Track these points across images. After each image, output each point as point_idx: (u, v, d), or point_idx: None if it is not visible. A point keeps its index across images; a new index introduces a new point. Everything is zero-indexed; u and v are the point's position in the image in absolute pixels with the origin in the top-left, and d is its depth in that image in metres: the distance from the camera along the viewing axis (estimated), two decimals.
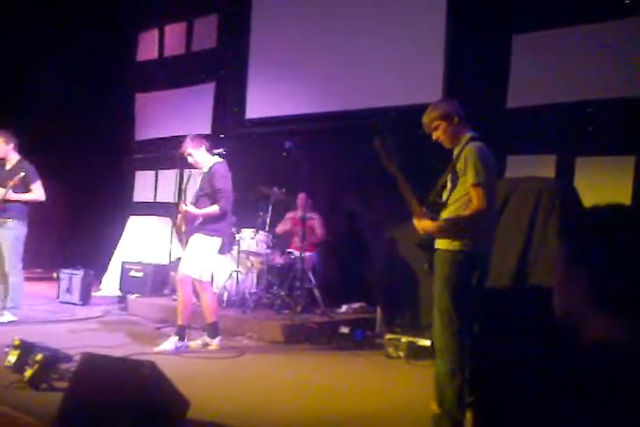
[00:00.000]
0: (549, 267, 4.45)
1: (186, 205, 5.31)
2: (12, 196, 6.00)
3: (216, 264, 6.40)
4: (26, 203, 6.12)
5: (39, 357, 3.81)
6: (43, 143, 8.55)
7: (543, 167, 6.19)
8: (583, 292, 1.04)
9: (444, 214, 3.49)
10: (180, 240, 5.49)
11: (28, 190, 6.10)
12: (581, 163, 6.13)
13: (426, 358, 5.17)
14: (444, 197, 3.53)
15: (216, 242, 5.34)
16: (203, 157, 5.45)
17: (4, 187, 6.01)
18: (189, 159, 5.46)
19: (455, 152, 3.56)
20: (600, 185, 5.79)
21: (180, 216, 5.45)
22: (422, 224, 3.46)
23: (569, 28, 6.25)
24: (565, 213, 4.57)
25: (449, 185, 3.51)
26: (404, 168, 3.50)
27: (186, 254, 5.36)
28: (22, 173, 5.98)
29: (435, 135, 3.61)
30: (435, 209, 3.53)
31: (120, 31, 10.52)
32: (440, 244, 3.48)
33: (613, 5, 5.94)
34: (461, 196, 3.45)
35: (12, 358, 3.96)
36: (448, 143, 3.60)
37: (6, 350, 4.10)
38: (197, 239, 5.30)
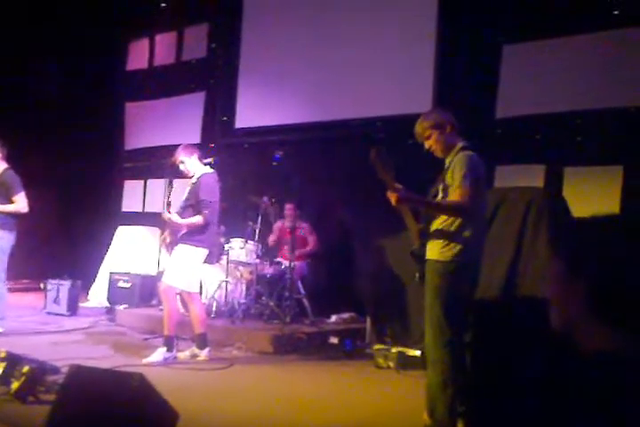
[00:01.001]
0: (539, 277, 4.46)
1: (169, 213, 5.28)
2: None
3: (203, 275, 6.37)
4: (9, 214, 6.00)
5: (26, 369, 3.76)
6: (31, 152, 8.50)
7: (532, 177, 6.21)
8: (581, 304, 1.03)
9: (434, 225, 3.50)
10: (167, 251, 5.46)
11: (9, 202, 5.98)
12: (570, 173, 6.16)
13: (416, 368, 5.16)
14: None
15: (201, 253, 5.31)
16: (193, 166, 5.43)
17: None
18: (181, 167, 5.44)
19: (446, 162, 3.57)
20: (588, 195, 5.82)
21: (165, 227, 5.41)
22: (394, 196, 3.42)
23: (558, 38, 6.29)
24: (555, 224, 4.58)
25: (440, 195, 3.52)
26: (395, 179, 3.50)
27: (170, 265, 5.32)
28: None
29: (427, 144, 3.61)
30: (427, 220, 3.53)
31: (110, 40, 10.49)
32: (431, 254, 3.47)
33: (603, 16, 5.99)
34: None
35: None
36: (440, 152, 3.60)
37: None
38: (182, 250, 5.27)
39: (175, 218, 5.25)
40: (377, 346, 5.55)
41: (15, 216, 6.07)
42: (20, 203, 6.02)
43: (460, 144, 3.56)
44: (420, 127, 3.61)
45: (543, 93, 6.32)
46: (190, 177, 5.47)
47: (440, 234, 3.45)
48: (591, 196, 5.82)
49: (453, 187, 3.40)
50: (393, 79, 7.43)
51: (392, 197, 3.41)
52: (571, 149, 6.13)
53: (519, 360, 2.58)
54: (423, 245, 3.53)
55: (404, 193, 3.42)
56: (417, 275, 3.56)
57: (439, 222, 3.48)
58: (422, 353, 5.31)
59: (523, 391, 2.64)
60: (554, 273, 1.07)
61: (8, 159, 6.22)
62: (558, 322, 1.08)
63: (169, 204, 5.33)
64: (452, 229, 3.42)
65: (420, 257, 3.53)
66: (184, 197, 5.43)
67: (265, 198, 7.07)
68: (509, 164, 6.42)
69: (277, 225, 7.57)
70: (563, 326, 1.07)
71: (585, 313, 1.02)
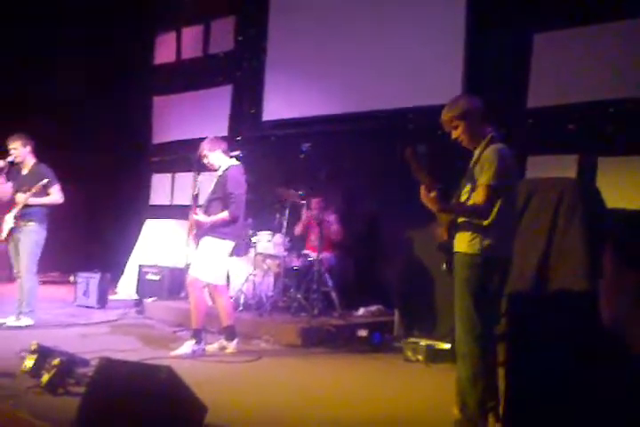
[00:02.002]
0: (571, 270, 4.36)
1: (196, 214, 5.29)
2: (32, 200, 6.02)
3: (230, 267, 6.36)
4: (45, 206, 6.13)
5: (56, 361, 3.79)
6: (60, 147, 8.56)
7: (565, 168, 6.09)
8: (632, 299, 0.98)
9: (462, 218, 3.41)
10: (195, 243, 5.46)
11: (46, 194, 6.12)
12: (603, 163, 6.02)
13: (445, 361, 5.11)
14: (463, 199, 3.44)
15: (227, 245, 5.30)
16: (218, 160, 5.42)
17: (23, 191, 6.03)
18: (204, 161, 5.44)
19: (475, 153, 3.46)
20: (623, 185, 5.69)
21: (190, 222, 5.42)
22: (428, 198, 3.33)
23: (590, 26, 6.16)
24: (589, 215, 4.47)
25: (468, 188, 3.42)
26: (431, 170, 3.41)
27: (196, 258, 5.33)
28: (45, 180, 6.00)
29: (454, 134, 3.48)
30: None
31: (137, 34, 10.54)
32: (459, 247, 3.39)
33: (635, 3, 5.84)
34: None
35: (29, 362, 3.94)
36: (467, 143, 3.47)
37: (23, 354, 4.09)
38: (208, 243, 5.27)
39: (202, 218, 5.26)
40: (406, 339, 5.50)
41: (48, 209, 6.17)
42: (56, 194, 6.16)
43: (489, 135, 3.43)
44: (446, 116, 3.47)
45: (575, 82, 6.19)
46: (216, 170, 5.46)
47: (469, 226, 3.36)
48: (626, 186, 5.69)
49: (478, 183, 3.30)
50: (422, 70, 7.34)
51: (429, 203, 3.32)
52: (604, 138, 5.99)
53: (552, 355, 2.52)
54: (452, 238, 3.45)
55: (443, 205, 3.33)
56: (444, 264, 3.47)
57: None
58: (452, 346, 5.26)
59: (555, 386, 2.58)
60: (604, 268, 1.02)
61: (37, 154, 6.29)
62: (607, 316, 1.03)
63: (196, 199, 5.35)
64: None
65: (448, 250, 3.45)
66: (210, 190, 5.43)
67: (292, 191, 7.05)
68: (541, 154, 6.31)
69: (305, 216, 7.54)
70: (612, 320, 1.01)
71: (635, 307, 0.96)
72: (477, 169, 3.34)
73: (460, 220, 3.41)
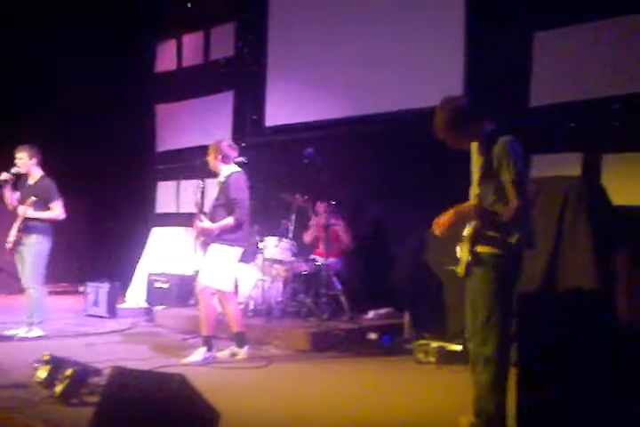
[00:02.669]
0: (580, 269, 4.35)
1: (201, 220, 5.31)
2: (31, 214, 6.05)
3: (239, 273, 6.37)
4: (46, 221, 6.16)
5: (69, 371, 3.80)
6: (64, 156, 8.60)
7: (569, 166, 6.08)
8: None
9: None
10: (202, 250, 5.48)
11: (47, 208, 6.15)
12: (608, 160, 6.02)
13: (457, 362, 5.10)
14: (476, 202, 3.33)
15: (235, 251, 5.32)
16: (218, 166, 5.45)
17: (25, 203, 6.06)
18: (210, 165, 5.48)
19: (475, 151, 3.38)
20: (629, 182, 5.67)
21: (196, 229, 5.44)
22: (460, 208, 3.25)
23: (591, 22, 6.16)
24: (594, 213, 4.47)
25: (479, 190, 3.33)
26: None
27: (205, 265, 5.34)
28: (34, 198, 6.04)
29: (448, 142, 3.44)
30: None
31: (138, 43, 10.59)
32: (482, 247, 3.28)
33: None
34: (496, 197, 3.27)
35: (42, 373, 3.95)
36: (466, 147, 3.41)
37: (36, 365, 4.10)
38: (216, 250, 5.28)
39: (207, 225, 5.28)
40: (417, 341, 5.50)
41: (51, 222, 6.21)
42: (56, 211, 6.19)
43: (489, 130, 3.32)
44: (437, 134, 3.38)
45: (577, 79, 6.19)
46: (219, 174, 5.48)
47: (491, 227, 3.26)
48: (632, 183, 5.67)
49: (505, 182, 3.22)
50: (422, 71, 7.35)
51: (464, 211, 3.26)
52: (608, 135, 5.98)
53: (564, 356, 2.52)
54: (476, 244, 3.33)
55: (481, 210, 3.24)
56: (460, 267, 3.37)
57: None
58: (463, 348, 5.25)
59: (571, 385, 2.58)
60: (620, 262, 1.02)
61: (44, 167, 6.32)
62: (624, 309, 1.03)
63: (201, 207, 5.38)
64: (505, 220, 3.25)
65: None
66: (214, 197, 5.45)
67: (297, 196, 7.06)
68: (545, 153, 6.30)
69: (313, 222, 7.55)
70: (629, 313, 1.02)
71: None
72: (497, 168, 3.24)
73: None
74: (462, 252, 3.36)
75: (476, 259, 3.27)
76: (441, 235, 3.32)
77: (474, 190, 3.38)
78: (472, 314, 3.36)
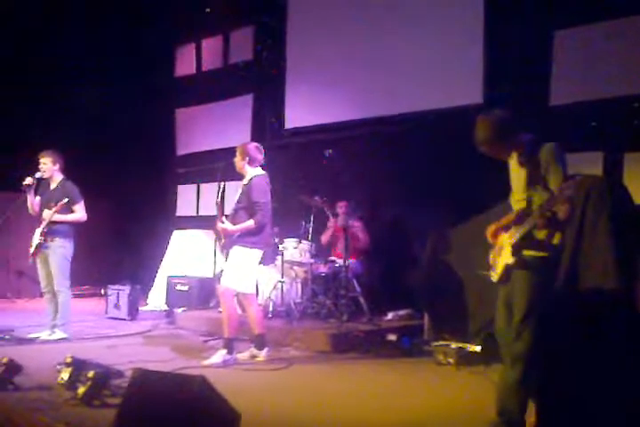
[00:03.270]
0: (601, 268, 4.31)
1: (222, 222, 5.33)
2: (56, 217, 6.10)
3: (260, 275, 6.39)
4: (69, 223, 6.21)
5: (91, 374, 3.83)
6: (86, 160, 8.68)
7: (590, 165, 6.02)
8: None
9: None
10: (223, 253, 5.50)
11: (70, 211, 6.20)
12: (630, 159, 5.95)
13: (477, 363, 5.09)
14: (521, 205, 3.41)
15: (256, 254, 5.33)
16: (243, 168, 5.46)
17: (49, 207, 6.11)
18: (236, 167, 5.50)
19: (515, 161, 3.45)
20: None
21: (217, 231, 5.46)
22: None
23: (610, 21, 6.11)
24: (616, 213, 4.42)
25: (527, 195, 3.39)
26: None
27: (227, 268, 5.36)
28: (66, 200, 6.08)
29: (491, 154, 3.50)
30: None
31: (157, 48, 10.67)
32: (529, 251, 3.32)
33: None
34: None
35: (65, 375, 3.99)
36: (505, 157, 3.50)
37: (58, 367, 4.14)
38: (237, 252, 5.30)
39: (229, 226, 5.30)
40: (436, 342, 5.48)
41: (74, 225, 6.25)
42: (80, 212, 6.23)
43: (528, 139, 3.41)
44: (481, 143, 3.41)
45: (597, 78, 6.13)
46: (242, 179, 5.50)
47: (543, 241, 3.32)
48: None
49: (553, 186, 3.26)
50: (442, 71, 7.33)
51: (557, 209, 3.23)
52: (629, 134, 5.92)
53: (587, 355, 2.50)
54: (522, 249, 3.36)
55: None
56: (498, 272, 3.42)
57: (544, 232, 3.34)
58: (482, 349, 5.23)
59: (591, 384, 2.56)
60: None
61: (66, 171, 6.39)
62: None
63: (222, 208, 5.40)
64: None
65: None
66: (236, 200, 5.47)
67: (317, 197, 7.07)
68: (566, 152, 6.23)
69: (331, 223, 7.56)
70: None
71: None
72: (543, 170, 3.30)
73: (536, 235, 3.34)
74: (504, 257, 3.39)
75: (521, 262, 3.31)
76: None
77: (516, 197, 3.46)
78: (505, 314, 3.41)
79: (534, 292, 3.28)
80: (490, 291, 5.57)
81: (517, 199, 3.45)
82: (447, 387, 4.64)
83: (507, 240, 3.40)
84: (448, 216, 6.24)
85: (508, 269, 3.37)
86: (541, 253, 3.30)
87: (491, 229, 3.53)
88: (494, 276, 3.46)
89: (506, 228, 3.46)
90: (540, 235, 3.29)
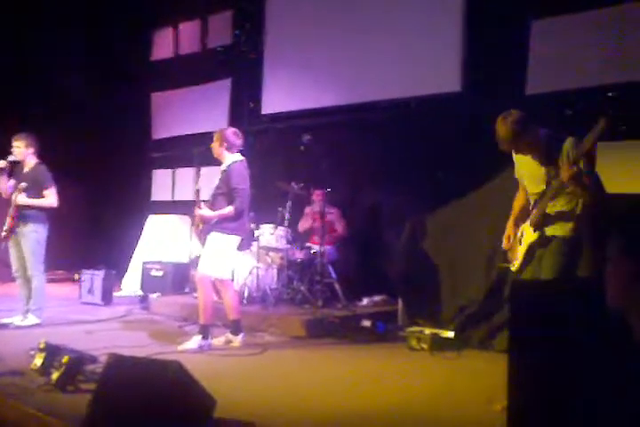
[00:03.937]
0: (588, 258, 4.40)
1: (200, 208, 5.30)
2: (25, 201, 6.01)
3: (236, 261, 6.38)
4: (39, 208, 6.12)
5: (65, 359, 3.81)
6: (60, 144, 8.57)
7: None
8: (629, 277, 1.00)
9: (556, 207, 3.63)
10: (200, 238, 5.48)
11: (41, 196, 6.10)
12: (603, 148, 6.01)
13: (450, 349, 5.15)
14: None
15: (234, 240, 5.32)
16: (221, 154, 5.43)
17: (18, 191, 6.03)
18: (214, 152, 5.46)
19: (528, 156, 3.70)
20: (623, 170, 5.69)
21: (195, 217, 5.44)
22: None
23: (587, 11, 6.15)
24: (590, 200, 4.48)
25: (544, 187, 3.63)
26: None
27: (204, 254, 5.35)
28: (24, 184, 6.00)
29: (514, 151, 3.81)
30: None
31: (134, 30, 10.52)
32: (555, 230, 3.57)
33: None
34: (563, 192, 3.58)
35: (38, 360, 3.97)
36: (527, 152, 3.74)
37: (32, 352, 4.11)
38: (215, 238, 5.28)
39: (207, 213, 5.27)
40: (410, 328, 5.53)
41: (46, 210, 6.17)
42: (50, 198, 6.13)
43: (546, 133, 3.70)
44: (504, 142, 3.67)
45: (573, 68, 6.18)
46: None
47: (564, 213, 3.59)
48: (627, 171, 5.69)
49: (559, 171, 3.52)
50: (421, 59, 7.34)
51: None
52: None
53: (556, 343, 2.53)
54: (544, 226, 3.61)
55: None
56: (515, 262, 3.65)
57: (563, 204, 3.61)
58: (455, 335, 5.29)
59: (561, 374, 2.59)
60: (610, 253, 1.04)
61: (40, 155, 6.30)
62: (610, 295, 1.05)
63: (199, 194, 5.37)
64: (576, 207, 3.60)
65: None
66: (215, 186, 5.44)
67: (293, 184, 7.06)
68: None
69: (308, 210, 7.56)
70: (614, 298, 1.03)
71: (633, 284, 0.98)
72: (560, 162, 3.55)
73: (555, 209, 3.61)
74: (526, 237, 3.65)
75: (544, 239, 3.57)
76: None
77: (534, 189, 3.72)
78: None
79: (561, 261, 3.50)
80: (464, 278, 5.66)
81: (535, 192, 3.69)
82: (420, 372, 4.69)
83: (526, 226, 3.68)
84: (426, 203, 6.27)
85: (531, 248, 3.62)
86: (570, 234, 3.53)
87: (510, 221, 3.82)
88: (513, 266, 3.71)
89: (522, 219, 3.76)
90: (563, 206, 3.55)
